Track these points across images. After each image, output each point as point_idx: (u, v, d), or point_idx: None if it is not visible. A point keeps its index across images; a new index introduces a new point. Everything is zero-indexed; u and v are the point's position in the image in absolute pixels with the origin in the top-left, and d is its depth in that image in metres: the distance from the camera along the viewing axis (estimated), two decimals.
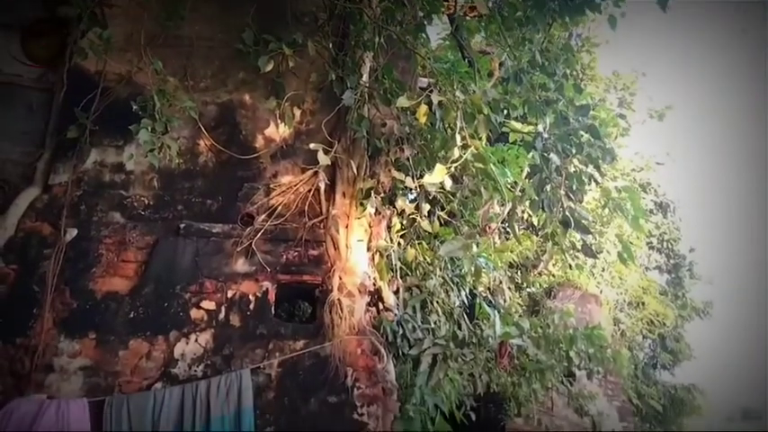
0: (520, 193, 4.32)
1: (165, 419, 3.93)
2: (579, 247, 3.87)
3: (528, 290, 8.84)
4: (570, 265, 6.40)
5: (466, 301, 5.74)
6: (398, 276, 4.76)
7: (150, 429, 3.90)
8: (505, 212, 4.57)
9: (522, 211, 4.64)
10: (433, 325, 5.03)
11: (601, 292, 9.09)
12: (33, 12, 4.55)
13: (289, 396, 4.12)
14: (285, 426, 4.06)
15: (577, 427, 8.39)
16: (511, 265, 8.52)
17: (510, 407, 8.23)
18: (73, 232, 4.19)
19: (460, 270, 5.49)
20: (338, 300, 4.26)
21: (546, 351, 5.34)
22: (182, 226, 4.31)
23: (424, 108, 4.09)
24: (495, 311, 5.33)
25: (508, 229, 7.70)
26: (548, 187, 3.97)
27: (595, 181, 4.02)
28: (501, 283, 7.95)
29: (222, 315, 4.23)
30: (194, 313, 4.20)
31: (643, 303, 10.00)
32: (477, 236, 3.74)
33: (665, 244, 12.49)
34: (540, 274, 8.23)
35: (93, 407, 3.85)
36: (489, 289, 7.24)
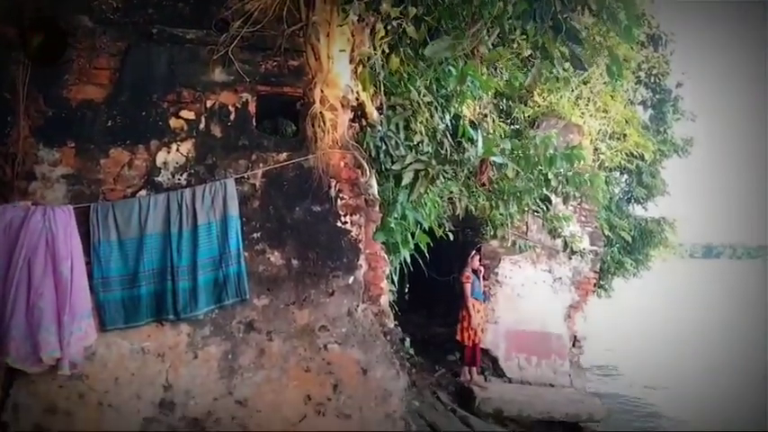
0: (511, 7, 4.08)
1: (151, 225, 4.03)
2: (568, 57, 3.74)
3: (513, 121, 8.81)
4: (557, 78, 6.27)
5: (450, 125, 5.72)
6: (382, 91, 4.66)
7: (138, 235, 4.02)
8: (495, 34, 4.38)
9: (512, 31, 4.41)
10: (415, 142, 5.04)
11: (584, 122, 9.09)
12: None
13: (273, 205, 4.22)
14: (271, 232, 4.20)
15: (550, 249, 8.85)
16: (497, 94, 8.40)
17: (486, 231, 8.61)
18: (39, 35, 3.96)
19: (446, 90, 5.39)
20: (320, 113, 4.19)
21: (525, 171, 5.42)
22: (154, 31, 4.09)
23: None
24: (479, 131, 5.33)
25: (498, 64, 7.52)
26: None
27: None
28: (486, 115, 7.90)
29: (202, 125, 4.17)
30: (173, 123, 4.14)
31: (625, 135, 10.06)
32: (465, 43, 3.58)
33: (652, 78, 12.28)
34: (527, 91, 8.10)
35: (78, 214, 3.92)
36: (474, 121, 7.20)
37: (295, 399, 4.12)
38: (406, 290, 14.56)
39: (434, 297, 10.92)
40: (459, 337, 8.39)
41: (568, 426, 7.71)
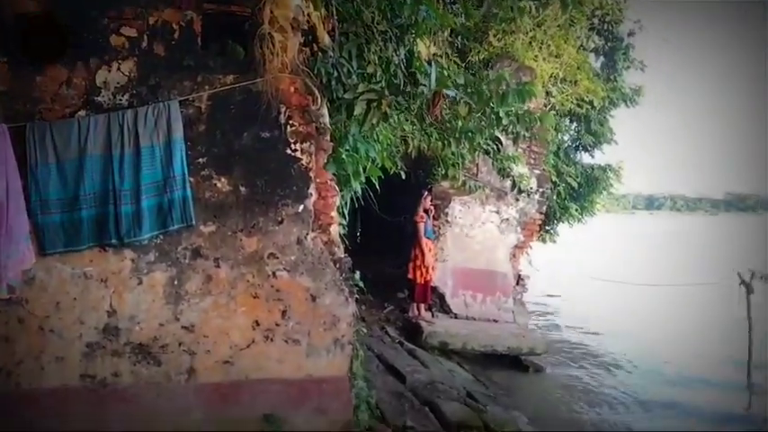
0: None
1: (91, 147, 3.88)
2: None
3: (468, 65, 8.76)
4: (511, 8, 6.23)
5: (404, 59, 5.63)
6: (334, 15, 4.53)
7: (77, 157, 3.87)
8: None
9: None
10: (368, 72, 4.95)
11: (537, 65, 9.13)
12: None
13: (220, 129, 4.11)
14: (218, 158, 4.11)
15: (499, 191, 9.01)
16: (453, 33, 8.32)
17: (438, 171, 8.67)
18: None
19: (401, 19, 5.27)
20: (269, 34, 4.04)
21: (478, 106, 5.42)
22: None
23: None
24: (433, 65, 5.27)
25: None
26: None
27: None
28: (442, 56, 7.81)
29: (145, 43, 3.98)
30: (114, 40, 3.93)
31: (576, 81, 10.18)
32: None
33: (605, 26, 12.36)
34: (482, 31, 8.04)
35: (13, 133, 3.72)
36: (429, 59, 7.11)
37: (243, 324, 4.14)
38: (359, 232, 14.70)
39: (386, 239, 11.02)
40: (410, 275, 8.56)
41: (510, 359, 8.05)
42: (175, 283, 4.05)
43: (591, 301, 14.88)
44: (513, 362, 8.10)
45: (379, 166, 5.65)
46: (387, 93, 4.74)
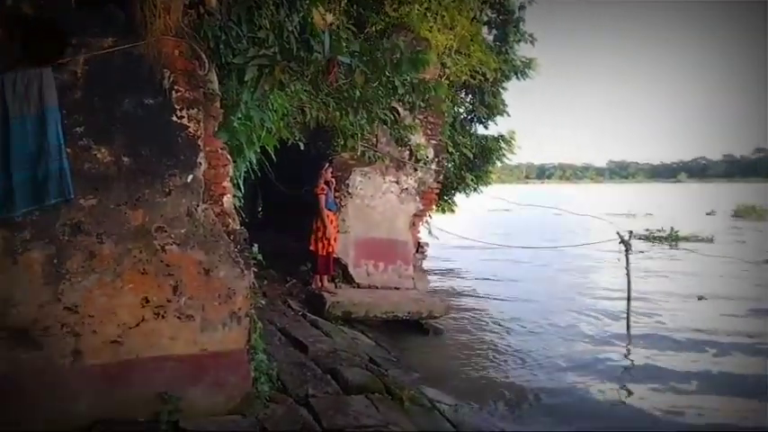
0: None
1: None
2: None
3: (366, 36, 8.71)
4: None
5: (298, 25, 5.50)
6: None
7: None
8: None
9: None
10: (260, 37, 4.79)
11: (432, 36, 9.24)
12: None
13: (99, 96, 3.84)
14: (97, 126, 3.84)
15: (398, 161, 9.12)
16: (350, 2, 8.24)
17: (338, 142, 8.64)
18: None
19: None
20: None
21: (373, 75, 5.41)
22: None
23: None
24: (327, 32, 5.18)
25: None
26: None
27: None
28: (339, 26, 7.71)
29: (10, 1, 3.62)
30: None
31: (469, 53, 10.41)
32: None
33: None
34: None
35: None
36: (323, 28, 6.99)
37: (131, 302, 3.95)
38: (260, 208, 14.43)
39: (289, 212, 10.90)
40: (312, 247, 8.53)
41: (412, 323, 8.26)
42: (55, 261, 3.79)
43: (485, 266, 15.56)
44: (415, 326, 8.32)
45: (276, 135, 5.54)
46: (279, 58, 4.62)
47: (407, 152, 9.06)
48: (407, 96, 7.00)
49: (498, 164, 14.88)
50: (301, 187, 9.39)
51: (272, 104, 5.34)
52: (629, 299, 8.58)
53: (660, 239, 20.88)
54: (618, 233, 8.74)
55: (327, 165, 8.63)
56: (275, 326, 6.92)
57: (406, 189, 9.32)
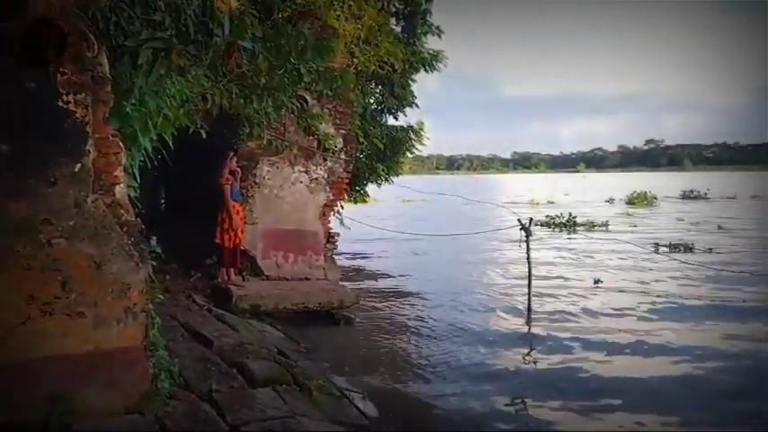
0: None
1: None
2: None
3: (273, 23, 8.52)
4: None
5: (197, 9, 5.29)
6: None
7: None
8: None
9: None
10: (155, 20, 4.57)
11: (340, 25, 9.18)
12: None
13: None
14: None
15: (307, 150, 9.02)
16: None
17: (243, 131, 8.42)
18: None
19: None
20: None
21: (277, 61, 5.31)
22: None
23: None
24: (227, 16, 5.01)
25: None
26: None
27: None
28: (243, 12, 7.48)
29: None
30: None
31: (378, 43, 10.45)
32: None
33: None
34: None
35: None
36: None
37: (15, 300, 3.66)
38: (162, 200, 13.83)
39: (191, 204, 10.51)
40: (218, 240, 8.29)
41: (323, 314, 8.23)
42: None
43: (400, 254, 15.81)
44: (327, 317, 8.30)
45: (176, 123, 5.31)
46: (175, 41, 4.42)
47: (316, 141, 8.98)
48: (314, 84, 6.91)
49: (409, 155, 15.20)
50: (207, 178, 9.09)
51: (170, 90, 5.11)
52: (529, 282, 8.97)
53: (560, 226, 22.00)
54: (519, 220, 9.12)
55: (232, 154, 8.39)
56: (178, 321, 6.67)
57: (316, 179, 9.25)
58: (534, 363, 7.10)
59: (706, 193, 43.39)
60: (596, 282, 11.73)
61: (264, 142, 8.37)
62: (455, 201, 16.34)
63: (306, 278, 8.91)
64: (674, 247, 15.92)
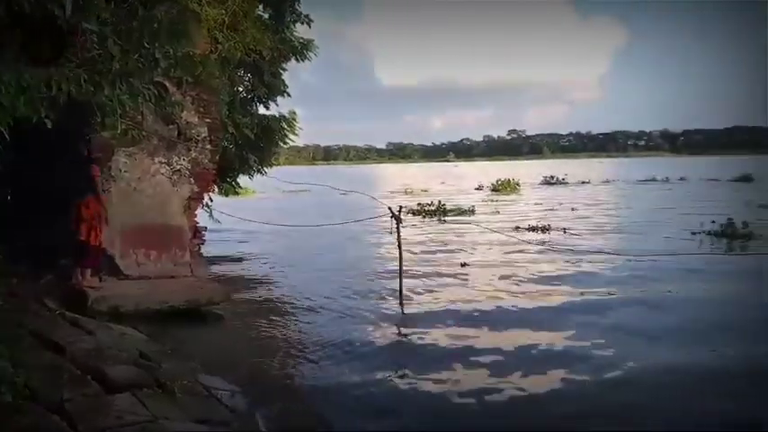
0: None
1: None
2: None
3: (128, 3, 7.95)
4: None
5: None
6: None
7: None
8: None
9: None
10: None
11: (202, 9, 8.78)
12: None
13: None
14: None
15: (168, 140, 8.56)
16: None
17: (96, 120, 7.80)
18: None
19: None
20: None
21: (127, 45, 4.95)
22: None
23: None
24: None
25: None
26: None
27: None
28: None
29: None
30: None
31: (243, 31, 10.15)
32: None
33: None
34: None
35: None
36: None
37: None
38: (8, 197, 12.51)
39: (44, 203, 9.62)
40: (83, 237, 7.66)
41: (192, 312, 7.87)
42: None
43: (277, 247, 15.58)
44: (196, 315, 7.96)
45: (15, 112, 4.81)
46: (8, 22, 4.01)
47: (177, 131, 8.54)
48: (173, 71, 6.52)
49: (282, 145, 14.97)
50: (57, 171, 8.38)
51: (4, 76, 4.61)
52: (400, 266, 9.18)
53: (430, 213, 22.82)
54: (390, 208, 9.31)
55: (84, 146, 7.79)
56: (25, 328, 6.09)
57: (179, 170, 8.80)
58: (405, 338, 7.53)
59: (564, 179, 47.19)
60: (463, 264, 12.29)
61: (119, 132, 7.83)
62: (335, 191, 16.41)
63: (171, 276, 8.47)
64: (532, 229, 17.09)
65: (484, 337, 7.42)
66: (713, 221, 15.81)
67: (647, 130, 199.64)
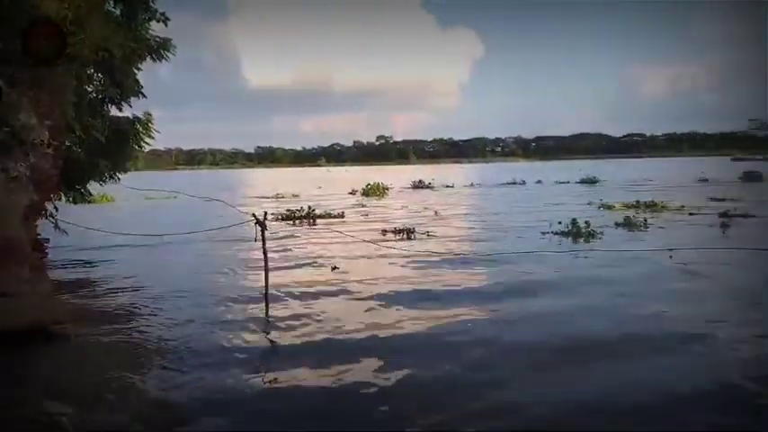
0: None
1: None
2: None
3: None
4: None
5: None
6: None
7: None
8: None
9: None
10: None
11: (41, 2, 8.02)
12: None
13: None
14: None
15: (1, 144, 7.73)
16: None
17: None
18: None
19: None
20: None
21: None
22: None
23: None
24: None
25: None
26: None
27: None
28: None
29: None
30: None
31: (89, 28, 9.42)
32: None
33: None
34: None
35: None
36: None
37: None
38: None
39: None
40: None
41: (36, 333, 7.13)
42: None
43: (132, 259, 14.66)
44: (40, 336, 7.23)
45: None
46: None
47: (11, 134, 7.71)
48: (6, 68, 5.93)
49: (137, 149, 14.14)
50: None
51: None
52: (266, 273, 9.02)
53: (300, 218, 22.70)
54: (254, 214, 9.16)
55: None
56: None
57: (16, 178, 7.95)
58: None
59: (430, 183, 49.23)
60: (333, 268, 12.34)
61: None
62: (201, 197, 15.78)
63: (6, 294, 7.60)
64: (397, 233, 17.53)
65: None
66: (560, 222, 17.17)
67: (503, 137, 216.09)
